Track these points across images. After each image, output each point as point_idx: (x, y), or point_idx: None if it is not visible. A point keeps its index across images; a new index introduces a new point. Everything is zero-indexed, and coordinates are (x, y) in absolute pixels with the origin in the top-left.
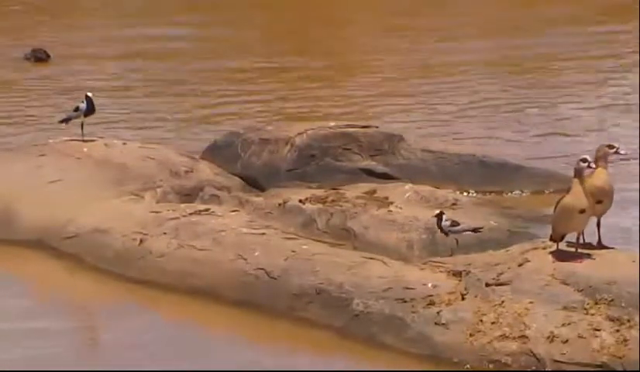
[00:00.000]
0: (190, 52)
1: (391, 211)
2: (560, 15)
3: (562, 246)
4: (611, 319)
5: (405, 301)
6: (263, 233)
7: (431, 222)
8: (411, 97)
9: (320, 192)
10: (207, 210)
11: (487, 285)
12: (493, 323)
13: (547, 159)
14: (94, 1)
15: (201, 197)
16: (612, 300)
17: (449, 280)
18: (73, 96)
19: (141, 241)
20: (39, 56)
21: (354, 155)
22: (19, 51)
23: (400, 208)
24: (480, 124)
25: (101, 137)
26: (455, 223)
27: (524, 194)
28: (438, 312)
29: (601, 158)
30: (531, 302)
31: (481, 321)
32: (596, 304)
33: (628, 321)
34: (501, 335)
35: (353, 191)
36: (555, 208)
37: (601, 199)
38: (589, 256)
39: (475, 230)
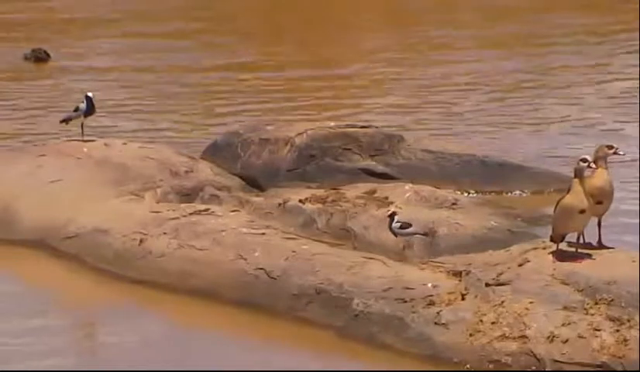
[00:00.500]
0: (190, 53)
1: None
2: (562, 17)
3: (563, 246)
4: (611, 319)
5: (405, 301)
6: (263, 233)
7: (432, 222)
8: (412, 97)
9: (320, 192)
10: (207, 210)
11: (487, 285)
12: (493, 323)
13: (547, 159)
14: (95, 2)
15: (201, 197)
16: (612, 300)
17: (448, 280)
18: (73, 96)
19: (141, 241)
20: (39, 56)
21: (354, 155)
22: (19, 51)
23: (400, 208)
24: (480, 124)
25: (101, 137)
26: (405, 225)
27: (524, 194)
28: (438, 312)
29: (601, 158)
30: (531, 302)
31: (481, 321)
32: (597, 304)
33: (628, 321)
34: (501, 335)
35: (353, 191)
36: (555, 208)
37: (601, 200)
38: (589, 256)
39: (424, 234)
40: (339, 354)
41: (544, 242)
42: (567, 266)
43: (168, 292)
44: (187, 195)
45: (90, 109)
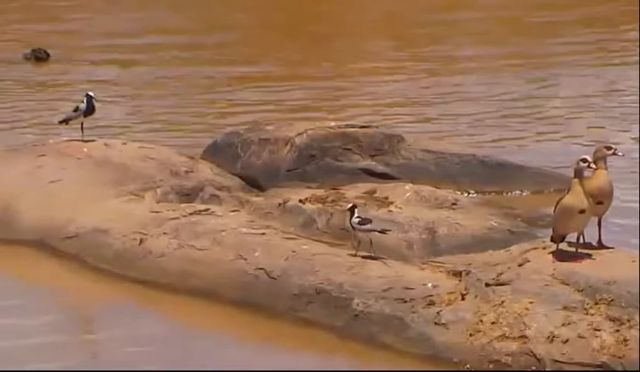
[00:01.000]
0: (192, 51)
1: (391, 211)
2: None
3: (563, 246)
4: (611, 319)
5: (405, 301)
6: (263, 233)
7: (432, 222)
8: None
9: (320, 192)
10: (207, 210)
11: (487, 285)
12: (493, 323)
13: (547, 159)
14: (95, 1)
15: (201, 197)
16: (612, 300)
17: (448, 280)
18: (73, 96)
19: (141, 241)
20: (39, 56)
21: (354, 155)
22: (19, 51)
23: (400, 208)
24: (480, 124)
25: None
26: (364, 221)
27: (524, 194)
28: (438, 312)
29: (600, 159)
30: (531, 302)
31: (481, 321)
32: (597, 304)
33: (628, 321)
34: (501, 335)
35: (353, 191)
36: (555, 208)
37: (601, 200)
38: (589, 256)
39: (382, 231)
40: (339, 354)
41: (544, 242)
42: (567, 266)
43: (168, 292)
44: (187, 195)
45: (90, 109)
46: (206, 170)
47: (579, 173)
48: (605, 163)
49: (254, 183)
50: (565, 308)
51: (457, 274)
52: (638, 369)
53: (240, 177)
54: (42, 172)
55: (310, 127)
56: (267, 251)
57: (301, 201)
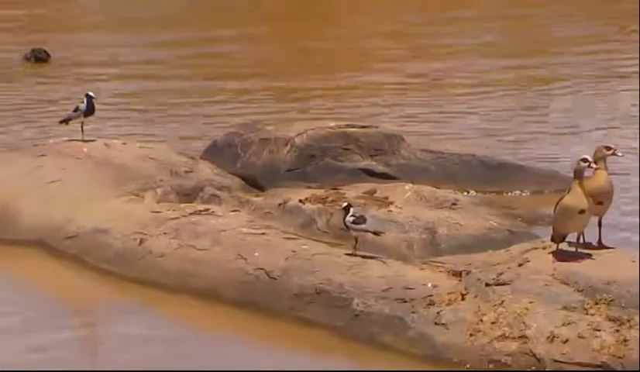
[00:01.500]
0: (191, 53)
1: (391, 211)
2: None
3: (563, 246)
4: (611, 319)
5: (405, 301)
6: (263, 233)
7: (432, 222)
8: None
9: (320, 192)
10: (207, 210)
11: (487, 285)
12: (493, 323)
13: (547, 159)
14: (95, 1)
15: (201, 197)
16: (612, 300)
17: (448, 280)
18: (73, 96)
19: (141, 241)
20: (39, 56)
21: (354, 155)
22: (19, 51)
23: (400, 208)
24: (480, 124)
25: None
26: (359, 220)
27: (524, 194)
28: (438, 312)
29: (600, 159)
30: (531, 302)
31: (481, 321)
32: (597, 304)
33: (628, 321)
34: (501, 335)
35: (353, 191)
36: (555, 208)
37: (601, 200)
38: (589, 256)
39: (376, 233)
40: (339, 354)
41: (544, 242)
42: (567, 266)
43: (168, 292)
44: (187, 195)
45: (90, 109)
46: (206, 170)
47: (579, 174)
48: (605, 163)
49: (254, 183)
50: (565, 308)
51: (457, 274)
52: (638, 369)
53: (240, 177)
54: (42, 172)
55: (310, 127)
56: (267, 251)
57: (301, 201)
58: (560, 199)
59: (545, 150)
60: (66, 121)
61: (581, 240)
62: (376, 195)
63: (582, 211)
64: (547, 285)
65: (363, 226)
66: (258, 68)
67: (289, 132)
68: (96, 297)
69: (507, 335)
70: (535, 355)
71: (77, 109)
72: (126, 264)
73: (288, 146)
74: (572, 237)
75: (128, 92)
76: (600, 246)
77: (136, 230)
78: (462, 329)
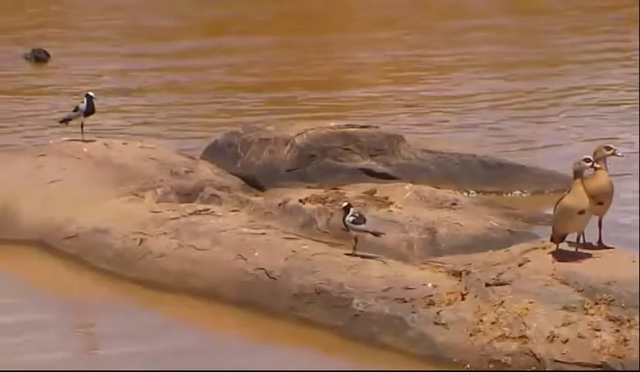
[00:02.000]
0: (192, 53)
1: (391, 211)
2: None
3: (563, 246)
4: (611, 319)
5: (405, 301)
6: (263, 233)
7: (432, 222)
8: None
9: (320, 192)
10: (207, 210)
11: (487, 285)
12: (493, 323)
13: (547, 159)
14: (95, 1)
15: (201, 197)
16: (612, 300)
17: (448, 280)
18: (73, 96)
19: (141, 241)
20: (39, 56)
21: (354, 155)
22: (19, 51)
23: (400, 208)
24: (480, 124)
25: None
26: (358, 220)
27: (524, 194)
28: (438, 312)
29: (600, 159)
30: (531, 302)
31: (481, 321)
32: (597, 304)
33: (628, 321)
34: (501, 335)
35: (353, 191)
36: (555, 208)
37: (602, 200)
38: (589, 256)
39: (375, 234)
40: (339, 354)
41: (544, 242)
42: (567, 266)
43: (168, 292)
44: (187, 195)
45: (90, 109)
46: (206, 170)
47: (579, 174)
48: (605, 163)
49: (254, 183)
50: (565, 308)
51: (457, 274)
52: (638, 369)
53: (240, 177)
54: (42, 172)
55: (310, 127)
56: (267, 251)
57: (301, 201)
58: (560, 199)
59: (545, 152)
60: (66, 121)
61: (581, 240)
62: (376, 195)
63: (582, 212)
64: (547, 285)
65: (362, 226)
66: (258, 69)
67: (289, 132)
68: (96, 297)
69: (507, 335)
70: (535, 355)
71: (77, 109)
72: (126, 264)
73: (288, 146)
74: (572, 237)
75: (128, 92)
76: (600, 246)
77: (136, 230)
78: (462, 329)
